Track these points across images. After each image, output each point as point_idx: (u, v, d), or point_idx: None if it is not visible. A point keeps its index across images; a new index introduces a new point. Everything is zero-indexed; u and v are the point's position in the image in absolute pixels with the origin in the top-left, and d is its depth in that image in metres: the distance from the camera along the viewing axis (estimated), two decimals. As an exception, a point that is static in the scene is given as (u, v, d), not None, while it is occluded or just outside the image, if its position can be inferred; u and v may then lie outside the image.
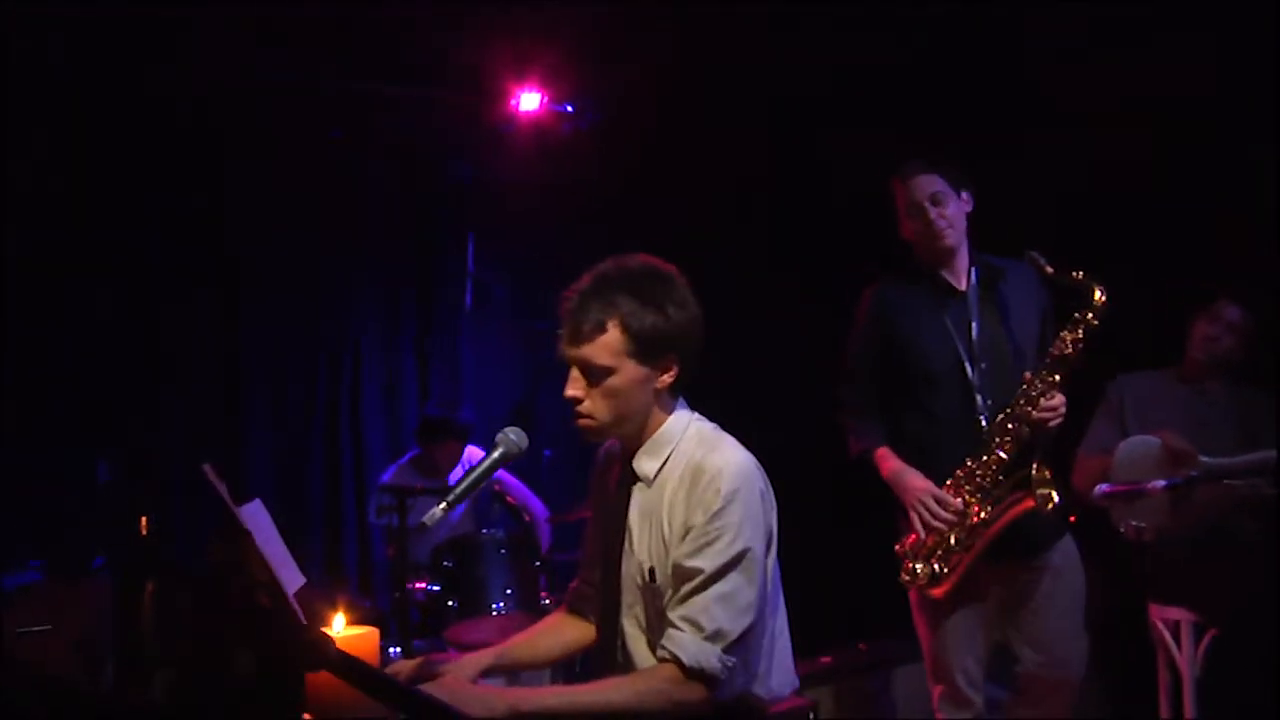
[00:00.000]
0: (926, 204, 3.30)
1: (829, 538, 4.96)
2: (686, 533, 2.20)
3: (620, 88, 5.23)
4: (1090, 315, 3.14)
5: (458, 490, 2.29)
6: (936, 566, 3.20)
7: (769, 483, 2.29)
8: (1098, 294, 3.14)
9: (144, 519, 1.71)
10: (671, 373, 2.28)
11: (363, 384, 5.91)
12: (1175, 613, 3.88)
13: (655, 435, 2.32)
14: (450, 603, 4.36)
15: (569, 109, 5.33)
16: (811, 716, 2.52)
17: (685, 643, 2.13)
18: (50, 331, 4.88)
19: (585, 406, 2.28)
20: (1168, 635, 3.91)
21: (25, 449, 4.69)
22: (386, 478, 5.33)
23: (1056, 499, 3.10)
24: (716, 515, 2.17)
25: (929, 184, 3.30)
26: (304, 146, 5.41)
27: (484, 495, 5.38)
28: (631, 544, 2.33)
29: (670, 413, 2.34)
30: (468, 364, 6.15)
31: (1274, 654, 3.56)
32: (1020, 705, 3.40)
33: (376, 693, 1.72)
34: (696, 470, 2.24)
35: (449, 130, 5.54)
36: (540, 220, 5.79)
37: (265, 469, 5.61)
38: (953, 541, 3.18)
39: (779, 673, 2.35)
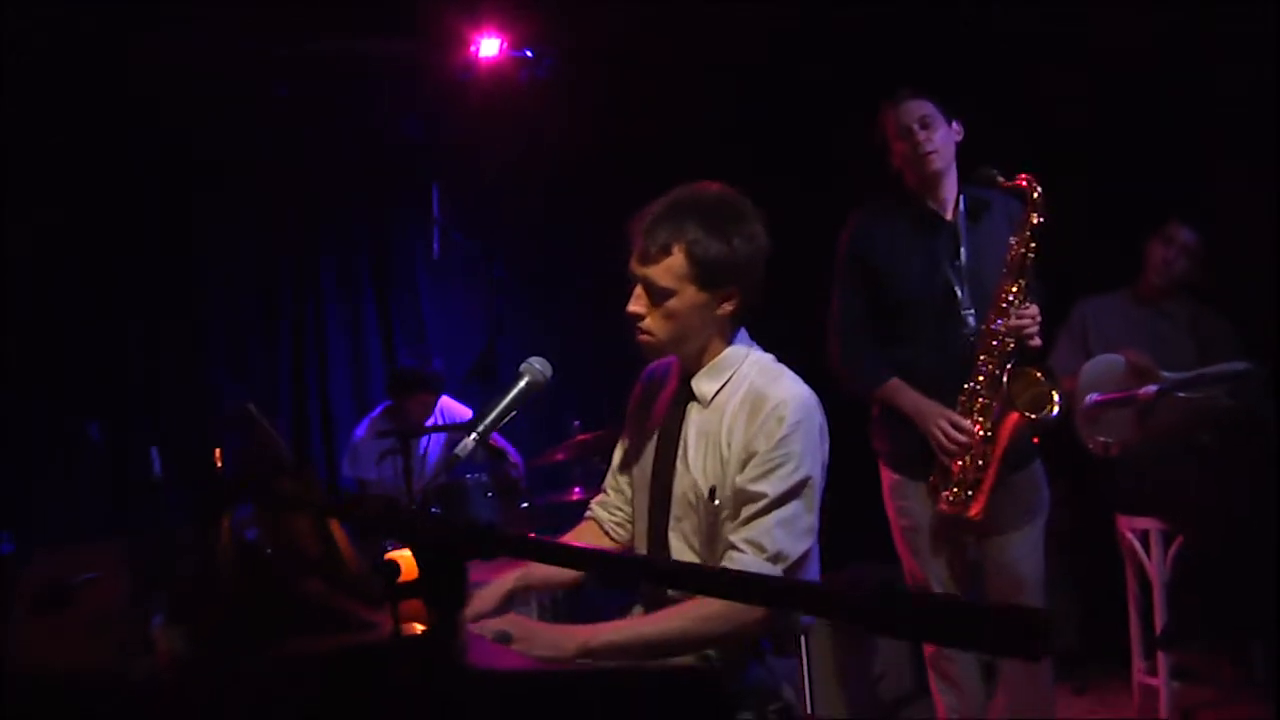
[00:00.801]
0: (915, 126, 3.34)
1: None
2: (748, 458, 2.26)
3: (580, 31, 5.20)
4: (1033, 214, 3.21)
5: (488, 422, 2.31)
6: (968, 491, 3.29)
7: (825, 419, 2.36)
8: (1035, 192, 3.21)
9: (217, 450, 1.72)
10: (732, 302, 2.34)
11: (327, 340, 5.88)
12: (1144, 522, 4.05)
13: (716, 360, 2.39)
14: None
15: (529, 54, 5.29)
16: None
17: (748, 564, 2.20)
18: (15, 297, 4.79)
19: (645, 323, 2.34)
20: (1137, 544, 4.08)
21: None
22: (361, 432, 5.33)
23: (1056, 397, 3.19)
24: (780, 443, 2.23)
25: (919, 108, 3.35)
26: (254, 105, 5.35)
27: (458, 440, 5.40)
28: (686, 461, 2.38)
29: (730, 341, 2.40)
30: (430, 315, 6.14)
31: (1238, 555, 3.74)
32: None
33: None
34: (758, 398, 2.29)
35: (406, 81, 5.49)
36: (501, 169, 5.77)
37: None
38: (971, 463, 3.27)
39: None
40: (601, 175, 5.61)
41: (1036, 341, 3.24)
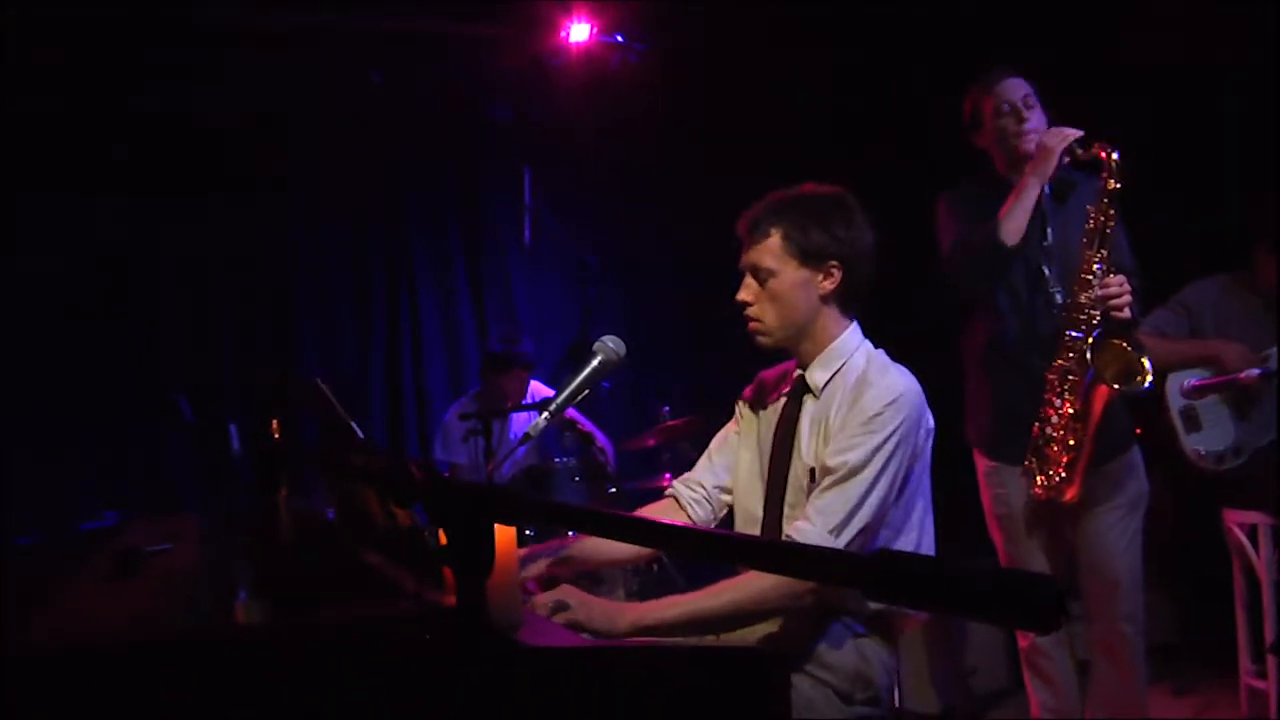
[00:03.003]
0: (1020, 104, 3.27)
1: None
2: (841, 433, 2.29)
3: (673, 17, 5.17)
4: (1110, 180, 3.10)
5: (560, 399, 2.32)
6: (1062, 473, 3.19)
7: (932, 422, 2.37)
8: (1112, 159, 3.09)
9: (275, 421, 1.74)
10: (833, 279, 2.39)
11: (421, 324, 5.94)
12: (1252, 516, 3.88)
13: (828, 349, 2.43)
14: (527, 531, 4.40)
15: (619, 39, 5.27)
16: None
17: (809, 534, 2.20)
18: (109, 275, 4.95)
19: (754, 310, 2.42)
20: (1245, 540, 3.91)
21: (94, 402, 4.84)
22: (450, 415, 5.38)
23: (1146, 364, 3.07)
24: (869, 420, 2.26)
25: (1020, 87, 3.29)
26: (348, 86, 5.42)
27: (552, 425, 5.42)
28: (800, 450, 2.41)
29: (843, 330, 2.44)
30: (522, 301, 6.17)
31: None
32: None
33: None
34: (864, 384, 2.33)
35: (498, 66, 5.51)
36: (592, 155, 5.77)
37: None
38: (1063, 442, 3.17)
39: None
40: (692, 161, 5.58)
41: (1125, 313, 3.11)
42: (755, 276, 2.40)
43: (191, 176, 5.18)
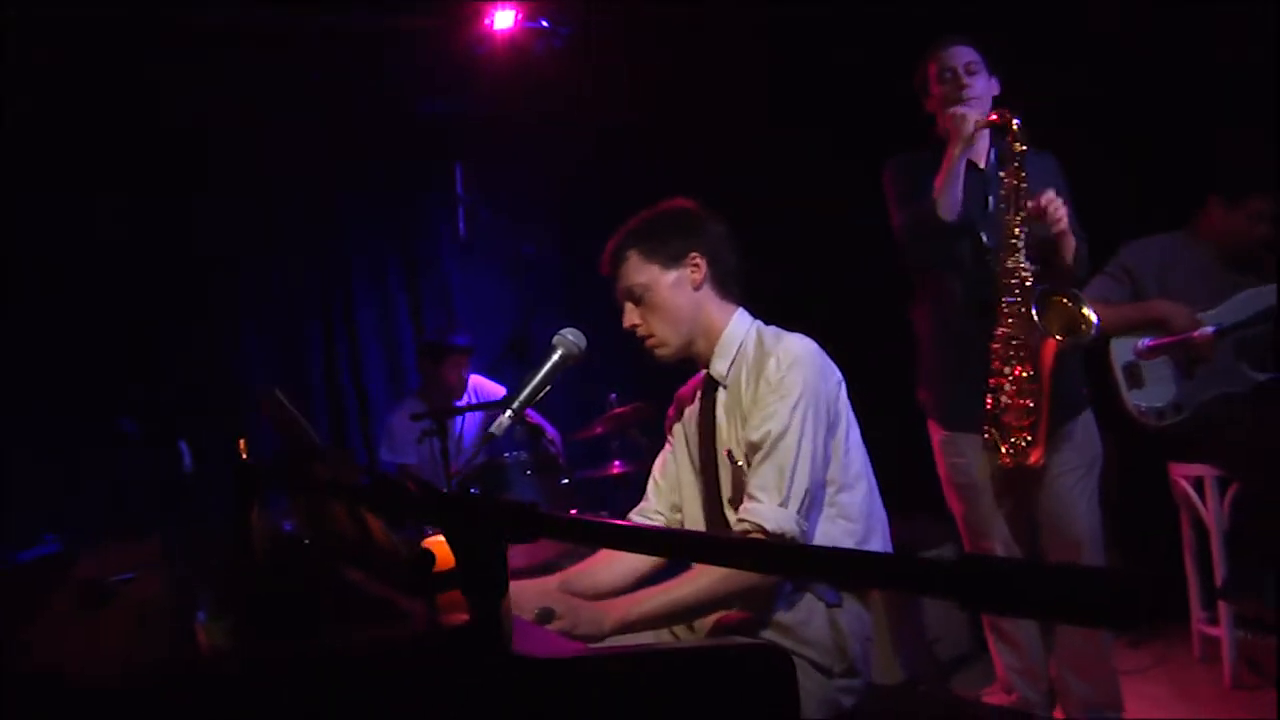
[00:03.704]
0: (960, 69, 3.28)
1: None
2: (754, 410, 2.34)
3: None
4: (1012, 141, 3.12)
5: (523, 396, 2.27)
6: (1025, 438, 3.21)
7: (840, 374, 2.42)
8: (1013, 123, 3.12)
9: (241, 440, 1.68)
10: (699, 269, 2.47)
11: (357, 325, 5.84)
12: (1198, 469, 3.95)
13: (721, 339, 2.49)
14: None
15: (544, 24, 5.20)
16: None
17: (764, 512, 2.23)
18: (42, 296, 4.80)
19: (643, 330, 2.50)
20: (1192, 492, 3.98)
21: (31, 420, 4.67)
22: (395, 414, 5.29)
23: (1090, 315, 3.12)
24: (777, 386, 2.31)
25: (965, 54, 3.29)
26: (273, 86, 5.29)
27: (494, 419, 5.37)
28: (720, 440, 2.46)
29: (729, 317, 2.50)
30: (459, 295, 6.10)
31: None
32: None
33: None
34: (764, 357, 2.38)
35: (423, 58, 5.42)
36: (523, 143, 5.70)
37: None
38: (1023, 407, 3.19)
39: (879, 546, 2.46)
40: (623, 145, 5.53)
41: (1064, 224, 3.13)
42: (632, 299, 2.49)
43: (118, 181, 5.01)
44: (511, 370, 5.80)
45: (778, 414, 2.28)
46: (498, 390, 5.51)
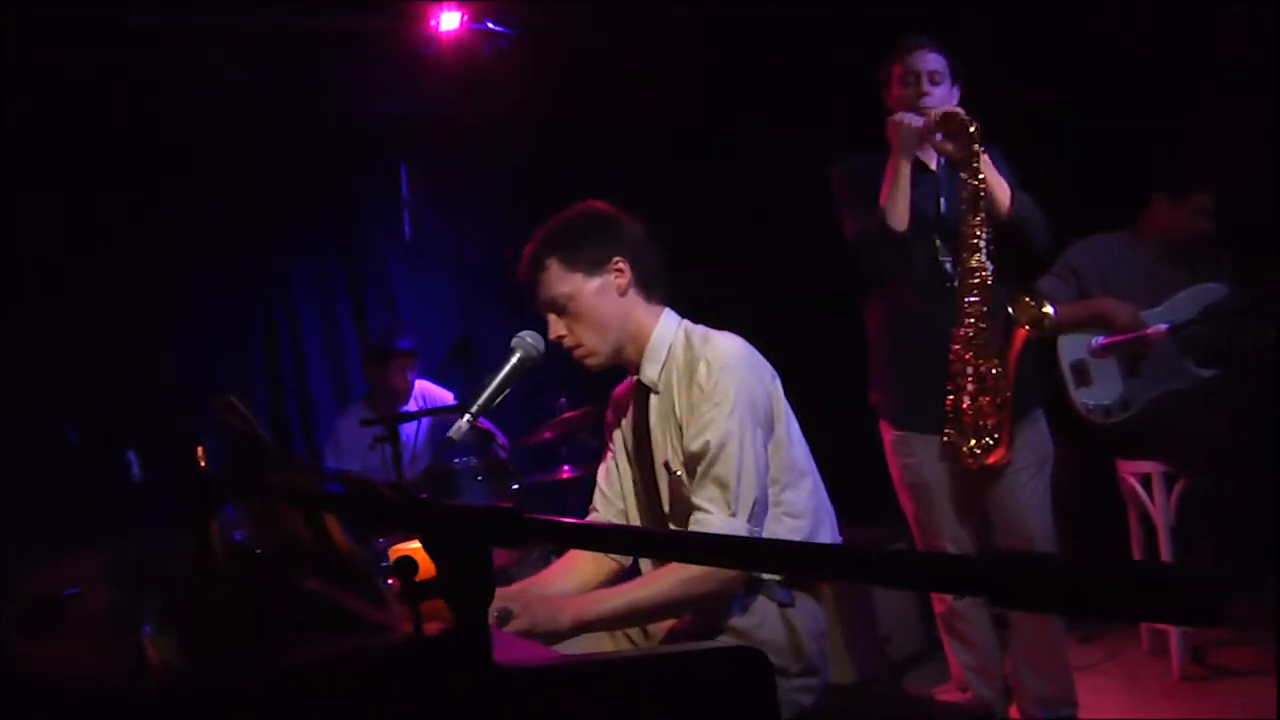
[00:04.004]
0: (924, 75, 3.28)
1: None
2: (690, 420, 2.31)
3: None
4: (973, 145, 3.13)
5: (480, 400, 2.24)
6: (986, 439, 3.22)
7: (772, 369, 2.40)
8: (971, 126, 3.13)
9: (199, 449, 1.61)
10: (623, 273, 2.42)
11: (300, 329, 5.73)
12: (1145, 465, 4.00)
13: (649, 343, 2.45)
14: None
15: (490, 26, 5.15)
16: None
17: (714, 523, 2.20)
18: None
19: (569, 340, 2.44)
20: (1139, 488, 4.03)
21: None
22: (342, 421, 5.21)
23: (1050, 310, 3.17)
24: (710, 393, 2.27)
25: (933, 61, 3.29)
26: (212, 87, 5.17)
27: (446, 424, 5.30)
28: (655, 448, 2.44)
29: (656, 319, 2.46)
30: (403, 298, 6.02)
31: (1246, 492, 3.69)
32: None
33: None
34: (693, 361, 2.35)
35: (368, 58, 5.33)
36: (469, 145, 5.64)
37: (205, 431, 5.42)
38: (990, 404, 3.21)
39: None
40: (569, 147, 5.49)
41: (973, 127, 3.12)
42: (555, 310, 2.43)
43: (52, 181, 4.87)
44: (457, 374, 5.73)
45: (714, 422, 2.25)
46: (444, 395, 5.44)
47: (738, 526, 2.20)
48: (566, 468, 4.82)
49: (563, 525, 0.94)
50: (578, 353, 2.44)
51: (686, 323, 2.48)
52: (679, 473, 2.34)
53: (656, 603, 2.22)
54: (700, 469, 2.25)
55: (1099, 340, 3.94)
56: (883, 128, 3.34)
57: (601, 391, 4.50)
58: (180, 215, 5.32)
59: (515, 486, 4.47)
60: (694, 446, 2.26)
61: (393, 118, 5.58)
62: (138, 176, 5.07)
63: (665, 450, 2.40)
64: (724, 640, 2.30)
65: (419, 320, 5.96)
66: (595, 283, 2.40)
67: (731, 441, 2.22)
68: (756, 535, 2.23)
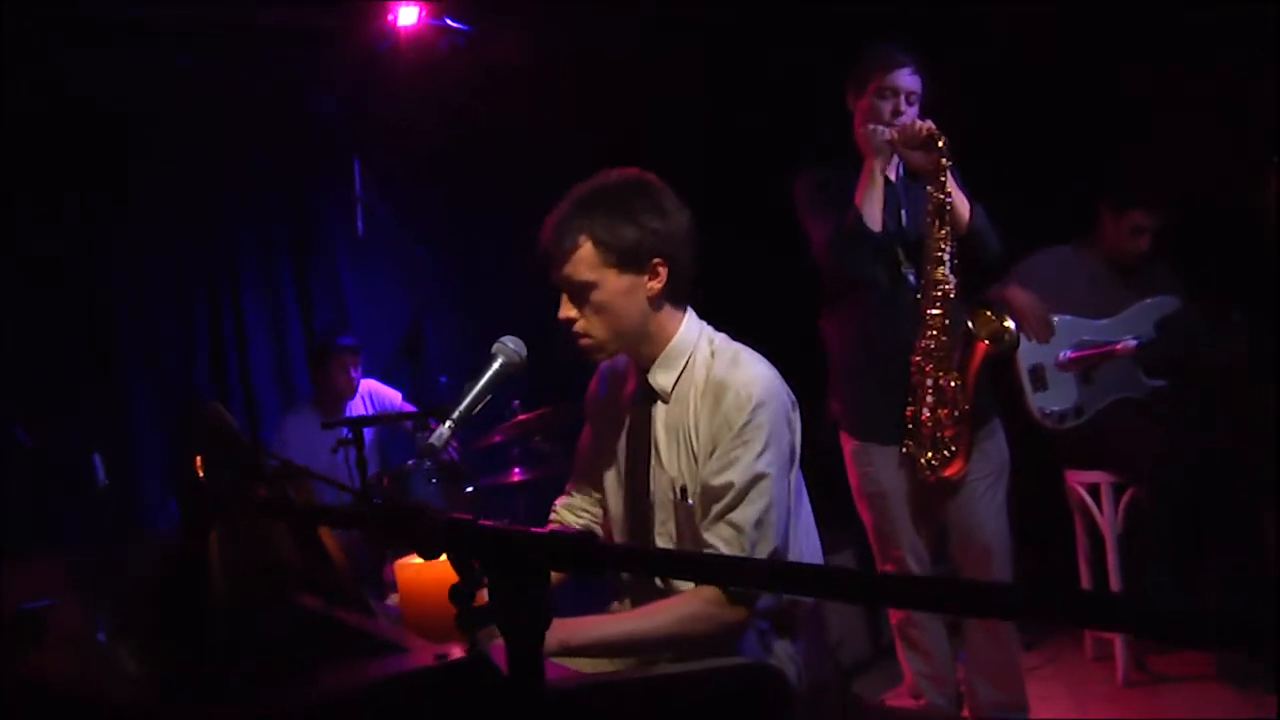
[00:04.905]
0: (903, 95, 3.28)
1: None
2: (714, 450, 2.16)
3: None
4: (941, 159, 3.17)
5: (462, 407, 2.16)
6: (945, 451, 3.26)
7: (793, 397, 2.26)
8: (939, 140, 3.16)
9: (199, 458, 1.56)
10: (660, 278, 2.21)
11: (246, 327, 5.61)
12: (1093, 476, 4.08)
13: (668, 348, 2.27)
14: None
15: (448, 23, 5.09)
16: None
17: None
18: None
19: (580, 326, 2.25)
20: (1088, 498, 4.11)
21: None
22: (289, 425, 5.12)
23: (1010, 325, 3.26)
24: (743, 430, 2.13)
25: (912, 82, 3.30)
26: (163, 78, 5.05)
27: (397, 427, 5.24)
28: (660, 460, 2.29)
29: (679, 323, 2.28)
30: (352, 296, 5.93)
31: (1193, 503, 3.78)
32: None
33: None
34: (720, 386, 2.19)
35: (324, 52, 5.25)
36: (425, 143, 5.58)
37: (150, 430, 5.27)
38: (948, 416, 3.25)
39: None
40: (530, 150, 5.45)
41: (939, 138, 3.15)
42: (572, 292, 2.22)
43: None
44: (405, 372, 5.66)
45: (740, 462, 2.11)
46: (392, 394, 5.38)
47: None
48: (517, 470, 4.79)
49: (630, 552, 0.92)
50: (584, 342, 2.26)
51: (708, 330, 2.32)
52: (692, 502, 2.21)
53: (653, 637, 2.10)
54: (717, 508, 2.13)
55: (1067, 353, 4.00)
56: (840, 135, 3.36)
57: (555, 397, 4.51)
58: (128, 211, 5.18)
59: (469, 489, 4.43)
60: (714, 482, 2.13)
61: (347, 114, 5.49)
62: (82, 173, 4.93)
63: (673, 466, 2.25)
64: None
65: (368, 319, 5.88)
66: (626, 281, 2.19)
67: (761, 481, 2.11)
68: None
